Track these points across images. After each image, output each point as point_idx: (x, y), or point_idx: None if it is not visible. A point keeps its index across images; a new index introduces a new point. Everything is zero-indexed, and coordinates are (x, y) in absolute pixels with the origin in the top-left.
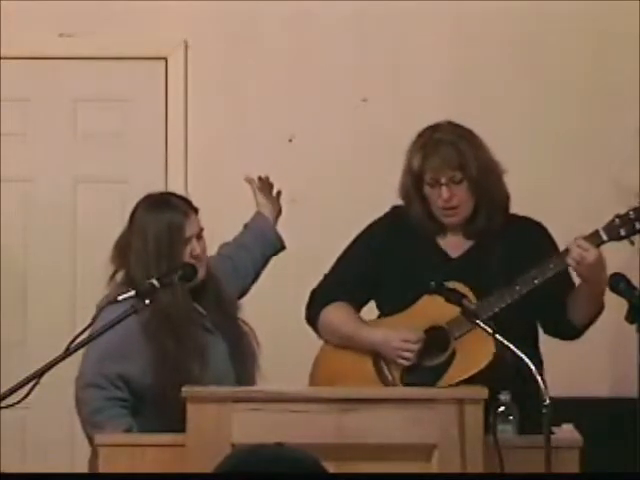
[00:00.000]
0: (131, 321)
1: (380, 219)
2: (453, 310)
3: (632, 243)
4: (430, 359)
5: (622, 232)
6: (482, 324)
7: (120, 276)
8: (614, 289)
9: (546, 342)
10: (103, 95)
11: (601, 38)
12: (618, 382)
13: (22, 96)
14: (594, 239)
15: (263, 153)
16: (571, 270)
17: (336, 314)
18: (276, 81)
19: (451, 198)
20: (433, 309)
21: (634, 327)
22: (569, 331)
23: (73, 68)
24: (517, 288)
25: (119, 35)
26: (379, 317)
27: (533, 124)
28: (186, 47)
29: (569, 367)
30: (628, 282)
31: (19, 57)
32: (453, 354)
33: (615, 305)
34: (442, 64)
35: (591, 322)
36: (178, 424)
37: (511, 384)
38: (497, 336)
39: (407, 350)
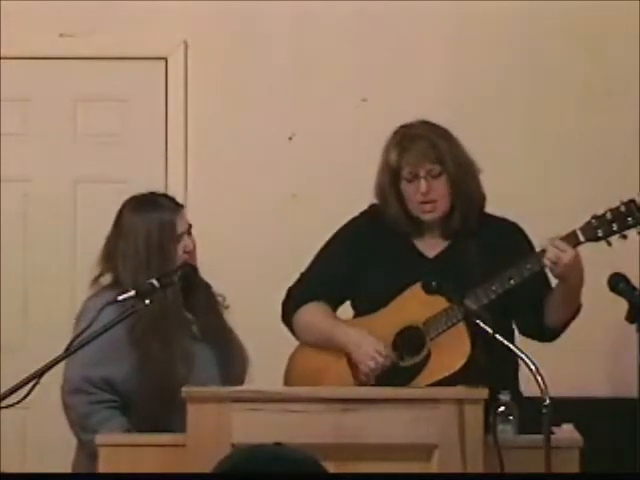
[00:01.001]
0: (117, 325)
1: (357, 218)
2: (428, 311)
3: (609, 244)
4: (405, 359)
5: (599, 233)
6: (482, 324)
7: (106, 279)
8: (614, 289)
9: (547, 342)
10: (103, 95)
11: (600, 38)
12: (618, 382)
13: (22, 96)
14: (571, 240)
15: (263, 152)
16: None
17: (312, 313)
18: (276, 80)
19: (429, 191)
20: (408, 309)
21: (634, 327)
22: (545, 333)
23: (73, 68)
24: (493, 288)
25: (119, 35)
26: (354, 317)
27: (532, 124)
28: (186, 47)
29: (569, 367)
30: (628, 282)
31: (19, 57)
32: (428, 355)
33: (615, 305)
34: (442, 64)
35: (567, 324)
36: (163, 429)
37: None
38: (497, 336)
39: (374, 360)
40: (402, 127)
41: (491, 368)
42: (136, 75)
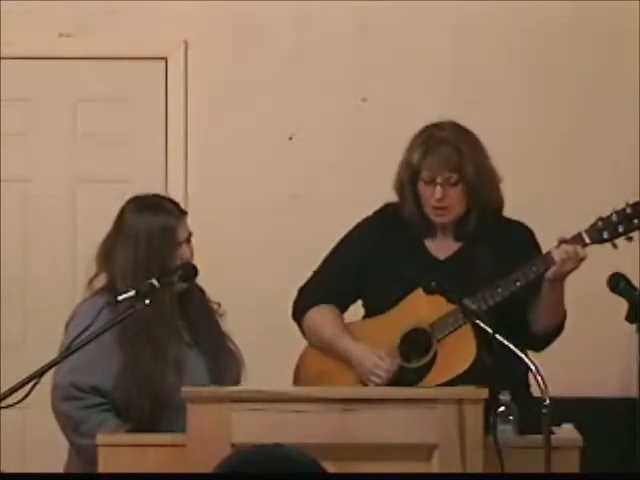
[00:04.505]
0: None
1: (369, 218)
2: (435, 312)
3: (615, 246)
4: (412, 361)
5: (605, 235)
6: (482, 324)
7: (100, 282)
8: (614, 289)
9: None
10: (103, 95)
11: (601, 38)
12: (618, 382)
13: (22, 96)
14: (577, 241)
15: (263, 152)
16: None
17: (319, 319)
18: (276, 80)
19: (443, 199)
20: (416, 311)
21: (634, 327)
22: (533, 340)
23: (73, 68)
24: (499, 290)
25: (119, 35)
26: (365, 316)
27: (533, 124)
28: (186, 47)
29: (569, 367)
30: (628, 282)
31: (19, 57)
32: (435, 356)
33: (615, 305)
34: (442, 64)
35: (555, 332)
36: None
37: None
38: (497, 336)
39: (377, 376)
40: (431, 126)
41: (500, 368)
42: (136, 75)
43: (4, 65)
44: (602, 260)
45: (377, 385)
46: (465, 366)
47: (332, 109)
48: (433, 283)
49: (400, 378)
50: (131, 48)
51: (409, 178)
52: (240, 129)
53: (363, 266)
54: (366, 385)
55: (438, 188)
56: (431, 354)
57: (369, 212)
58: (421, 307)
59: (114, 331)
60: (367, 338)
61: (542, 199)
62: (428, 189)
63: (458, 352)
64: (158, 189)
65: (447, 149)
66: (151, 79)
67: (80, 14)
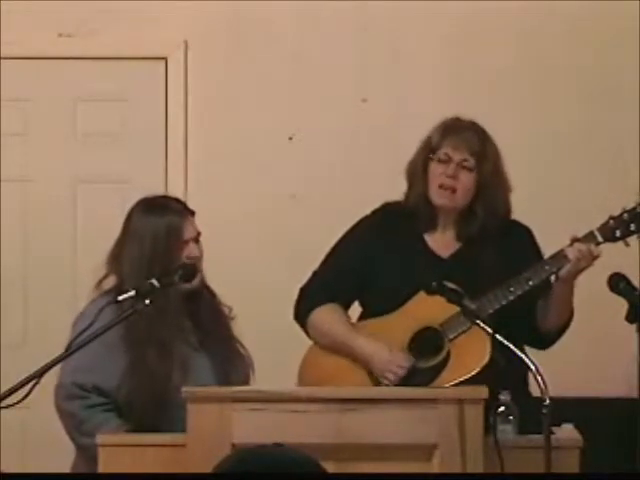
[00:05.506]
0: (110, 330)
1: (368, 217)
2: (445, 311)
3: (627, 244)
4: (424, 361)
5: (617, 233)
6: (482, 324)
7: (109, 283)
8: (614, 289)
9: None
10: (103, 95)
11: (601, 38)
12: (618, 382)
13: (22, 96)
14: (589, 240)
15: (263, 152)
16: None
17: (327, 318)
18: (276, 80)
19: (454, 177)
20: (425, 310)
21: (634, 327)
22: (539, 338)
23: (73, 68)
24: (511, 289)
25: (119, 35)
26: (362, 315)
27: (533, 124)
28: (186, 47)
29: (569, 367)
30: (628, 282)
31: (19, 57)
32: (448, 356)
33: (615, 305)
34: (442, 64)
35: (561, 331)
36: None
37: (507, 385)
38: (497, 336)
39: (393, 373)
40: (455, 118)
41: (508, 369)
42: (136, 75)
43: (4, 65)
44: (603, 260)
45: (392, 382)
46: (480, 365)
47: (332, 109)
48: (434, 284)
49: (412, 377)
50: (131, 48)
51: (423, 158)
52: (240, 129)
53: (364, 265)
54: (379, 382)
55: (452, 165)
56: (444, 353)
57: (368, 211)
58: (430, 306)
59: (119, 331)
60: (375, 338)
61: (542, 199)
62: (440, 167)
63: (472, 352)
64: (158, 189)
65: (470, 134)
66: (151, 79)
67: (80, 14)
